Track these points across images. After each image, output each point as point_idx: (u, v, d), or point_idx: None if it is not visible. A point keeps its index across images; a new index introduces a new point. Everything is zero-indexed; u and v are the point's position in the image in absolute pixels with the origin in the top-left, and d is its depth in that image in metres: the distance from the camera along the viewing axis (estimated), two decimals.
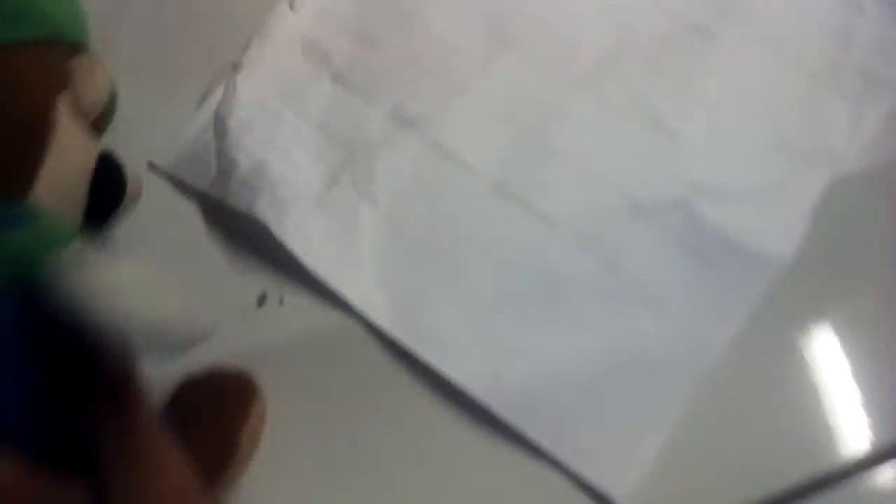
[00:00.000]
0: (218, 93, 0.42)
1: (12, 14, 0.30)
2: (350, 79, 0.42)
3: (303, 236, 0.38)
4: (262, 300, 0.38)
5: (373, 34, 0.43)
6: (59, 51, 0.32)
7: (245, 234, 0.39)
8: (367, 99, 0.42)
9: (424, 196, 0.40)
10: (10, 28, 0.30)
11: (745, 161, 0.41)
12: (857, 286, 0.39)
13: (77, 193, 0.31)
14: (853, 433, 0.36)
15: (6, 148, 0.30)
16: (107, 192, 0.33)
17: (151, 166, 0.40)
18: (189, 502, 0.28)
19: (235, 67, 0.42)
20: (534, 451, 0.36)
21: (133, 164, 0.35)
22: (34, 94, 0.30)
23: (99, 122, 0.34)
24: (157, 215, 0.38)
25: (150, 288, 0.25)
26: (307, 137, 0.41)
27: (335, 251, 0.39)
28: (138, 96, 0.36)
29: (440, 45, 0.43)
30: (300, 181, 0.40)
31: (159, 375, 0.29)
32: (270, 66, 0.42)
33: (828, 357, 0.38)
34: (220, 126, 0.41)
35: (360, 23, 0.43)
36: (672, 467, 0.35)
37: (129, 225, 0.35)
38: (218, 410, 0.34)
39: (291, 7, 0.43)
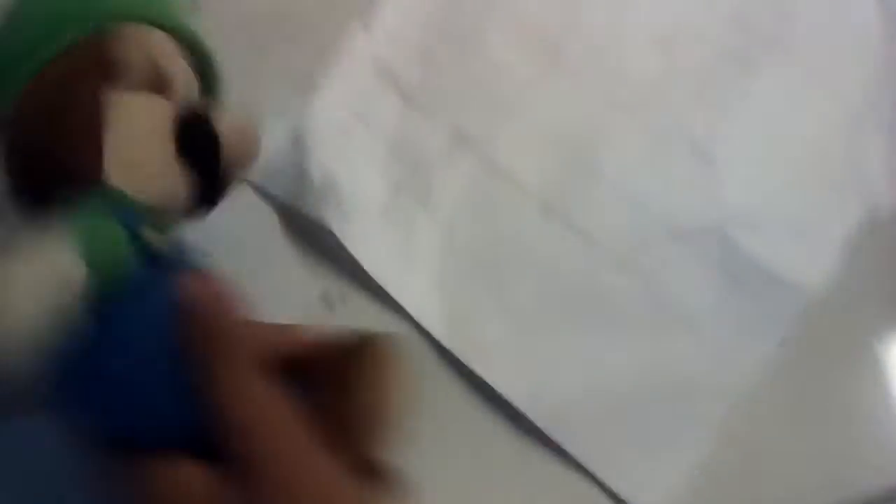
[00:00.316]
0: (296, 108, 0.45)
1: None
2: (415, 98, 0.45)
3: (365, 244, 0.42)
4: (326, 300, 0.41)
5: (437, 57, 0.46)
6: (104, 42, 0.31)
7: (315, 240, 0.42)
8: (429, 117, 0.45)
9: (477, 211, 0.43)
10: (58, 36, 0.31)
11: (781, 191, 0.43)
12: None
13: (157, 161, 0.31)
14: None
15: (65, 146, 0.30)
16: (197, 150, 0.31)
17: None
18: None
19: (312, 84, 0.45)
20: (568, 459, 0.38)
21: None
22: (77, 91, 0.30)
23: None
24: (236, 217, 0.41)
25: None
26: (374, 152, 0.44)
27: (394, 259, 0.42)
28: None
29: (498, 68, 0.46)
30: (365, 192, 0.43)
31: None
32: (344, 83, 0.45)
33: (859, 383, 0.40)
34: (296, 139, 0.44)
35: (426, 46, 0.46)
36: (709, 485, 0.38)
37: (206, 226, 0.38)
38: None
39: (365, 29, 0.46)
